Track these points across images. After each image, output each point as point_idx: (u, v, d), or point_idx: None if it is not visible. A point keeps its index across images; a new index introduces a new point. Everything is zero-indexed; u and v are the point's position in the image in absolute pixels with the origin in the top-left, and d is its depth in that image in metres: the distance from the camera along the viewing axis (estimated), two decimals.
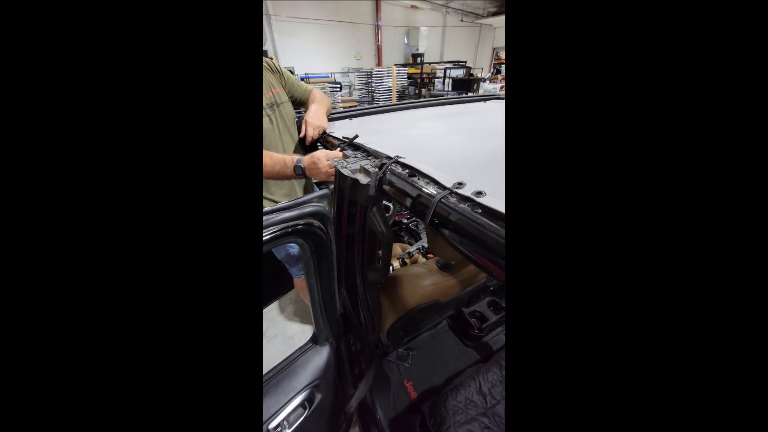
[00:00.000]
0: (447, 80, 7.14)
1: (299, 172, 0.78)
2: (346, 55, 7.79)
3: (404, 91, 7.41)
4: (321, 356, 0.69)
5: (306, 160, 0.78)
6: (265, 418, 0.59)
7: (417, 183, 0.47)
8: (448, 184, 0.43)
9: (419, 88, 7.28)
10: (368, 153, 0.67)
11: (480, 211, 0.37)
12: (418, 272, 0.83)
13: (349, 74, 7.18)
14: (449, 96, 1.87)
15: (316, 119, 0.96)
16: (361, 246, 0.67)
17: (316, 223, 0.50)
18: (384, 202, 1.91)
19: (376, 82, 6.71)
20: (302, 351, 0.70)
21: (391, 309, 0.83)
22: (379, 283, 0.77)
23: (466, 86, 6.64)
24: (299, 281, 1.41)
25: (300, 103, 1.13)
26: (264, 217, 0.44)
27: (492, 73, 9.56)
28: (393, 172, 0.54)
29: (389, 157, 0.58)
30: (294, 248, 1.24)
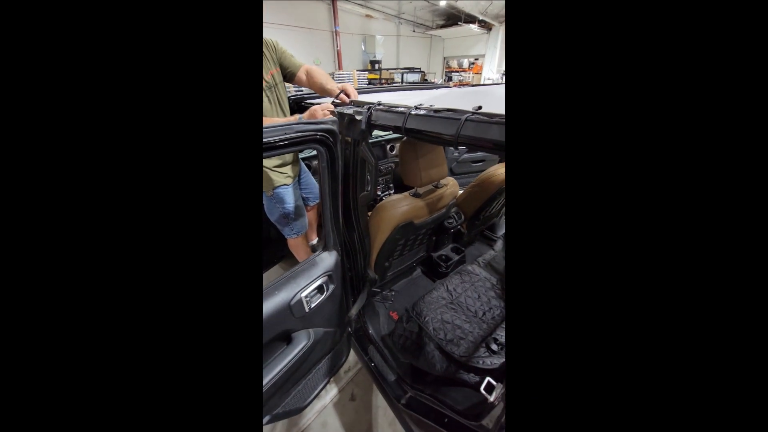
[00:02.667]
0: (405, 84, 7.71)
1: None
2: (304, 60, 7.88)
3: None
4: (331, 257, 0.93)
5: (305, 114, 1.01)
6: (296, 291, 0.81)
7: (394, 109, 0.76)
8: (412, 106, 0.73)
9: None
10: (356, 104, 0.94)
11: (433, 112, 0.66)
12: (396, 198, 1.11)
13: None
14: (408, 84, 2.22)
15: (352, 87, 1.09)
16: (354, 172, 0.93)
17: (330, 137, 0.75)
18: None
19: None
20: (317, 255, 0.92)
21: (379, 230, 1.10)
22: (368, 203, 1.03)
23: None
24: (293, 241, 1.60)
25: (285, 71, 1.25)
26: (296, 125, 0.68)
27: (444, 80, 10.48)
28: (377, 111, 0.82)
29: (372, 103, 0.86)
30: (288, 207, 1.44)
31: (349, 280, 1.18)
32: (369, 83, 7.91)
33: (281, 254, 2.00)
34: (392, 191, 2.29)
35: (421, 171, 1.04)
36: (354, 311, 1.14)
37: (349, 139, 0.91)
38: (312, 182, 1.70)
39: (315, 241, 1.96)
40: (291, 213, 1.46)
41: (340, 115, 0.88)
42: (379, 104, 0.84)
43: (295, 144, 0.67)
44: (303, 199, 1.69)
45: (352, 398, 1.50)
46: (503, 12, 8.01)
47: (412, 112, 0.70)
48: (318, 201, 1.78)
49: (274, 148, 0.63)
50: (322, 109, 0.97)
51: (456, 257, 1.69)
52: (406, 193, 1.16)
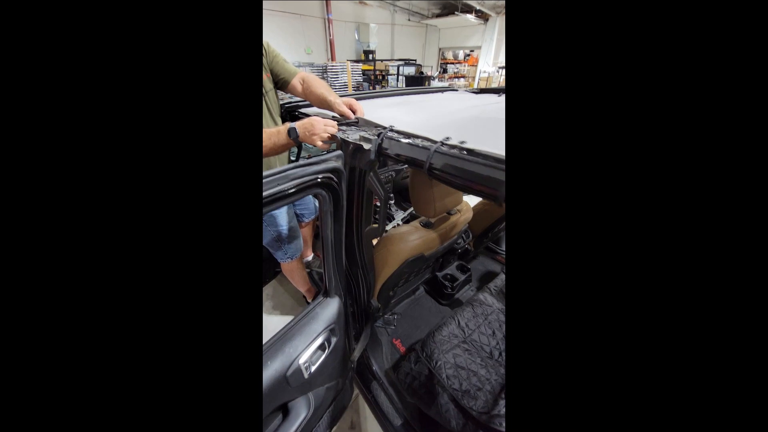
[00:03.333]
0: (400, 77, 7.45)
1: (293, 135, 0.80)
2: (295, 49, 7.52)
3: (359, 87, 7.50)
4: (333, 306, 0.80)
5: (300, 123, 0.80)
6: (293, 358, 0.68)
7: (413, 142, 0.62)
8: (438, 140, 0.58)
9: (373, 84, 7.46)
10: (361, 126, 0.79)
11: (465, 152, 0.53)
12: (406, 230, 0.98)
13: (302, 69, 6.99)
14: (410, 88, 2.05)
15: (357, 103, 0.94)
16: (360, 205, 0.79)
17: (335, 178, 0.61)
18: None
19: (331, 78, 6.66)
20: (317, 303, 0.79)
21: (386, 265, 0.97)
22: (377, 236, 0.90)
23: (418, 83, 7.03)
24: (287, 265, 1.45)
25: (278, 78, 1.09)
26: (294, 171, 0.53)
27: (439, 72, 10.20)
28: (389, 138, 0.68)
29: (384, 127, 0.71)
30: (282, 230, 1.29)
31: (351, 315, 1.06)
32: (363, 74, 7.60)
33: (275, 270, 1.85)
34: (392, 201, 2.15)
35: (436, 201, 0.90)
36: (357, 353, 1.02)
37: (355, 168, 0.76)
38: (307, 198, 1.55)
39: (310, 257, 1.82)
40: (284, 236, 1.31)
41: (344, 143, 0.73)
42: (392, 129, 0.70)
43: (295, 194, 0.53)
44: (297, 216, 1.54)
45: (352, 426, 1.40)
46: (501, 2, 7.75)
47: (438, 149, 0.56)
48: (313, 217, 1.63)
49: (271, 204, 0.49)
50: (324, 125, 0.79)
51: (462, 277, 1.59)
52: (416, 223, 1.03)
